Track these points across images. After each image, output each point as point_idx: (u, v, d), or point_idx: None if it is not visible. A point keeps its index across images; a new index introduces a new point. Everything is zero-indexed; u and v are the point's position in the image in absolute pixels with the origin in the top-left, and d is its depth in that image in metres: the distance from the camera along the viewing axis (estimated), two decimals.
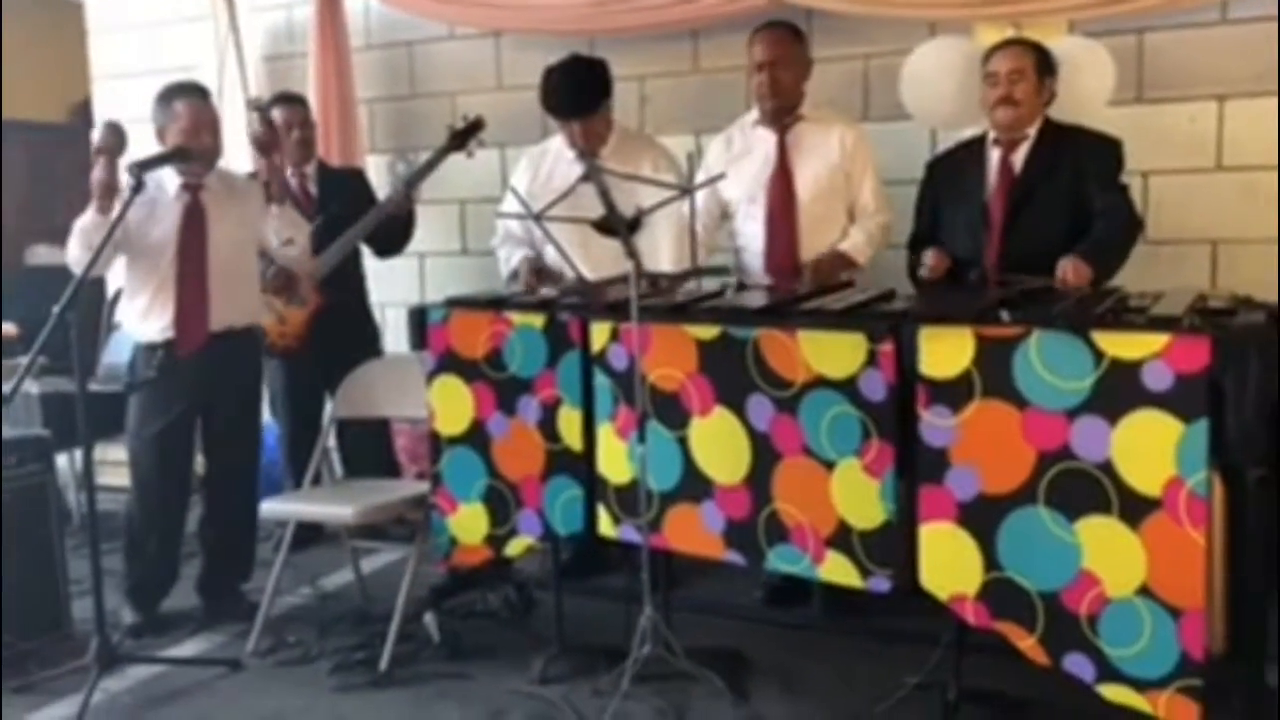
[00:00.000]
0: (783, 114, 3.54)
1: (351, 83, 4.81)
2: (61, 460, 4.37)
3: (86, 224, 3.30)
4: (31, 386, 4.16)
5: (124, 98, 5.23)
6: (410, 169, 4.41)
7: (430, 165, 4.15)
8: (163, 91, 3.47)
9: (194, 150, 3.38)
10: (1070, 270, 2.91)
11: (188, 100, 3.43)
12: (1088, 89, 3.48)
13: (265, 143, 3.56)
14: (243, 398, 3.66)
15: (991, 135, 3.27)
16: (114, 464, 4.80)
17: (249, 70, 4.99)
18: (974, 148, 3.32)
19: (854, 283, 3.49)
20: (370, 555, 4.03)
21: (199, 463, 3.75)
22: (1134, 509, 2.30)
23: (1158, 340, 2.27)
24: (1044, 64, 3.20)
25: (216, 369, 3.50)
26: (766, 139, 3.57)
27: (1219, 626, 2.35)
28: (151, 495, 3.53)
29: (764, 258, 3.56)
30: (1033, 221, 3.15)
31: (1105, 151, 3.15)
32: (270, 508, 3.51)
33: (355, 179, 4.43)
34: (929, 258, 3.21)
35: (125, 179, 3.23)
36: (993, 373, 2.43)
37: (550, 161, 3.74)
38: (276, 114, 4.20)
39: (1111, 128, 3.26)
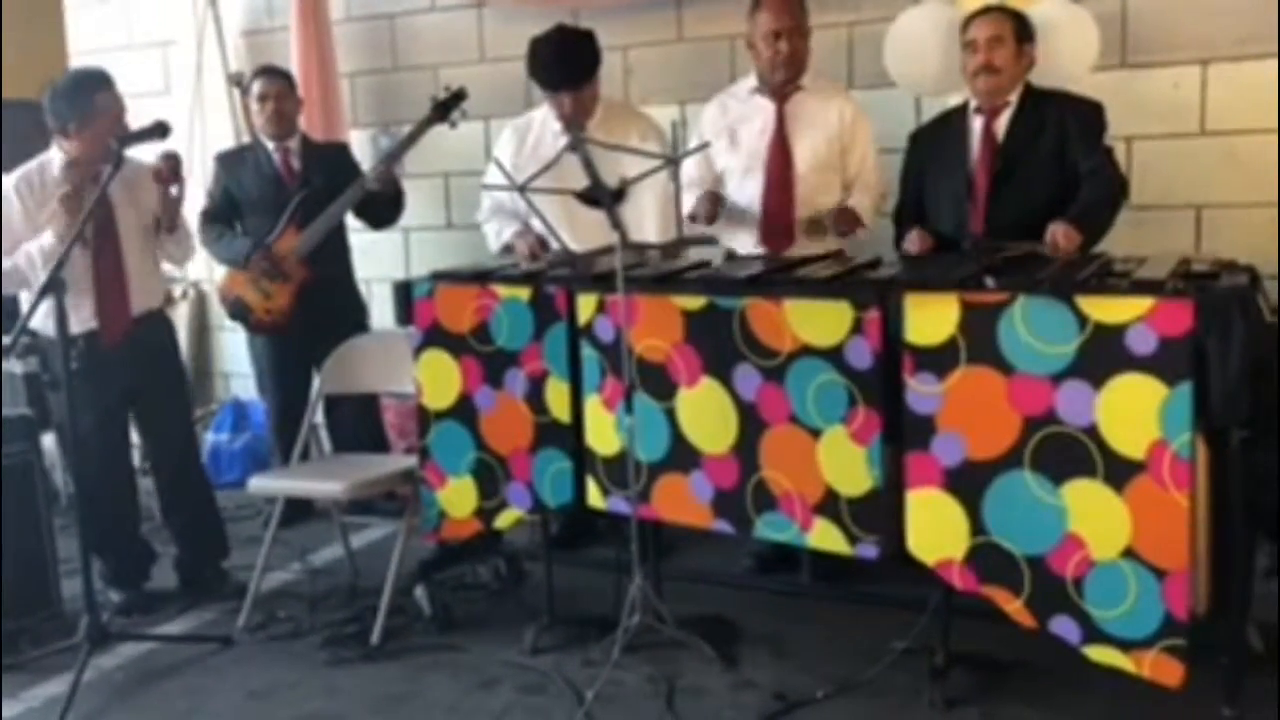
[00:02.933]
0: (786, 84, 3.52)
1: (332, 56, 4.78)
2: (47, 440, 4.35)
3: (49, 249, 3.26)
4: (15, 366, 4.14)
5: None
6: (393, 142, 4.38)
7: (413, 137, 4.12)
8: (73, 83, 3.37)
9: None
10: (1061, 235, 2.90)
11: (108, 94, 3.35)
12: (1072, 54, 3.47)
13: (166, 176, 3.41)
14: (168, 378, 3.64)
15: (973, 104, 3.25)
16: None
17: (228, 45, 4.95)
18: (955, 117, 3.31)
19: (844, 251, 3.49)
20: (360, 530, 4.04)
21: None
22: (1119, 472, 2.32)
23: (1141, 304, 2.28)
24: (1022, 30, 3.18)
25: (140, 354, 3.48)
26: (765, 108, 3.54)
27: (1203, 587, 2.38)
28: (101, 488, 3.44)
29: (759, 227, 3.55)
30: (1017, 189, 3.14)
31: (1087, 115, 3.15)
32: (259, 484, 3.50)
33: (338, 153, 4.39)
34: (913, 240, 3.20)
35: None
36: (978, 339, 2.44)
37: (535, 133, 3.71)
38: (257, 86, 4.17)
39: (1095, 93, 3.25)
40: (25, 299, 3.45)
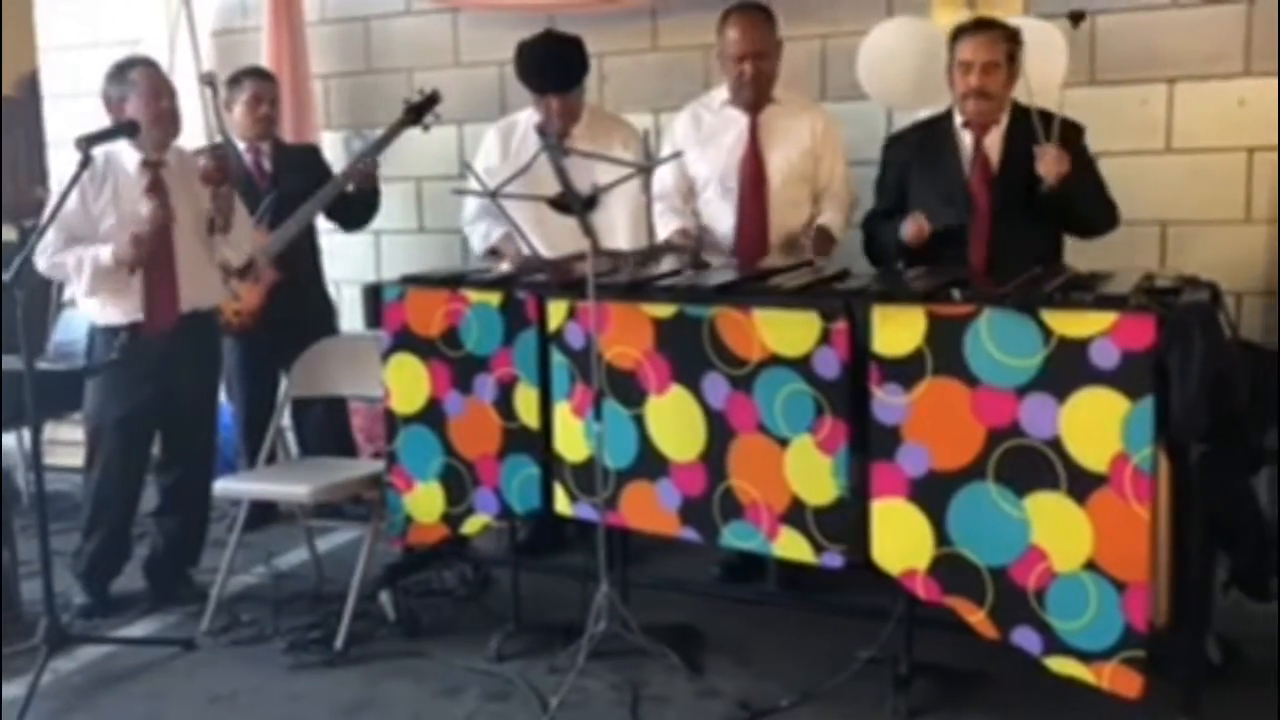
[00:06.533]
0: (755, 101, 3.53)
1: (306, 58, 4.76)
2: (9, 440, 4.29)
3: (102, 264, 3.29)
4: None
5: (70, 71, 5.13)
6: (366, 145, 4.37)
7: (385, 140, 4.12)
8: (116, 66, 3.42)
9: (152, 119, 3.33)
10: (1053, 157, 3.00)
11: (145, 68, 3.41)
12: (1043, 70, 3.49)
13: (214, 176, 3.41)
14: (204, 383, 3.62)
15: (960, 118, 3.24)
16: (63, 444, 4.74)
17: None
18: (941, 127, 3.29)
19: (814, 262, 3.51)
20: (326, 534, 4.01)
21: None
22: (1081, 485, 2.35)
23: (1105, 319, 2.31)
24: (1015, 49, 3.17)
25: (181, 353, 3.44)
26: (738, 120, 3.55)
27: (1163, 600, 2.41)
28: (113, 479, 3.47)
29: (734, 239, 3.55)
30: (1019, 212, 3.14)
31: (1072, 136, 3.16)
32: (224, 487, 3.48)
33: (310, 155, 4.38)
34: (910, 224, 3.15)
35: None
36: (944, 351, 2.46)
37: (519, 135, 3.72)
38: (250, 88, 4.15)
39: (1064, 108, 3.28)
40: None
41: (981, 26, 3.20)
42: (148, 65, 3.45)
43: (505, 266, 3.34)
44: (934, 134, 3.31)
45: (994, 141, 3.21)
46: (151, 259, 3.36)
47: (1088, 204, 3.15)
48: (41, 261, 3.29)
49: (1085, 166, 3.19)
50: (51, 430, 4.72)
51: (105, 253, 3.29)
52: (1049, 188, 3.02)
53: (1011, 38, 3.19)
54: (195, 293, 3.48)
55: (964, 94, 3.16)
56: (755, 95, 3.50)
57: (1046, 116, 3.21)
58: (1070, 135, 3.17)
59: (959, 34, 3.20)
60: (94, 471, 3.49)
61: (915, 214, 3.18)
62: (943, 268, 2.99)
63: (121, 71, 3.39)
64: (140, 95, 3.35)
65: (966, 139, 3.23)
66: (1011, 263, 2.90)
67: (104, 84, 3.40)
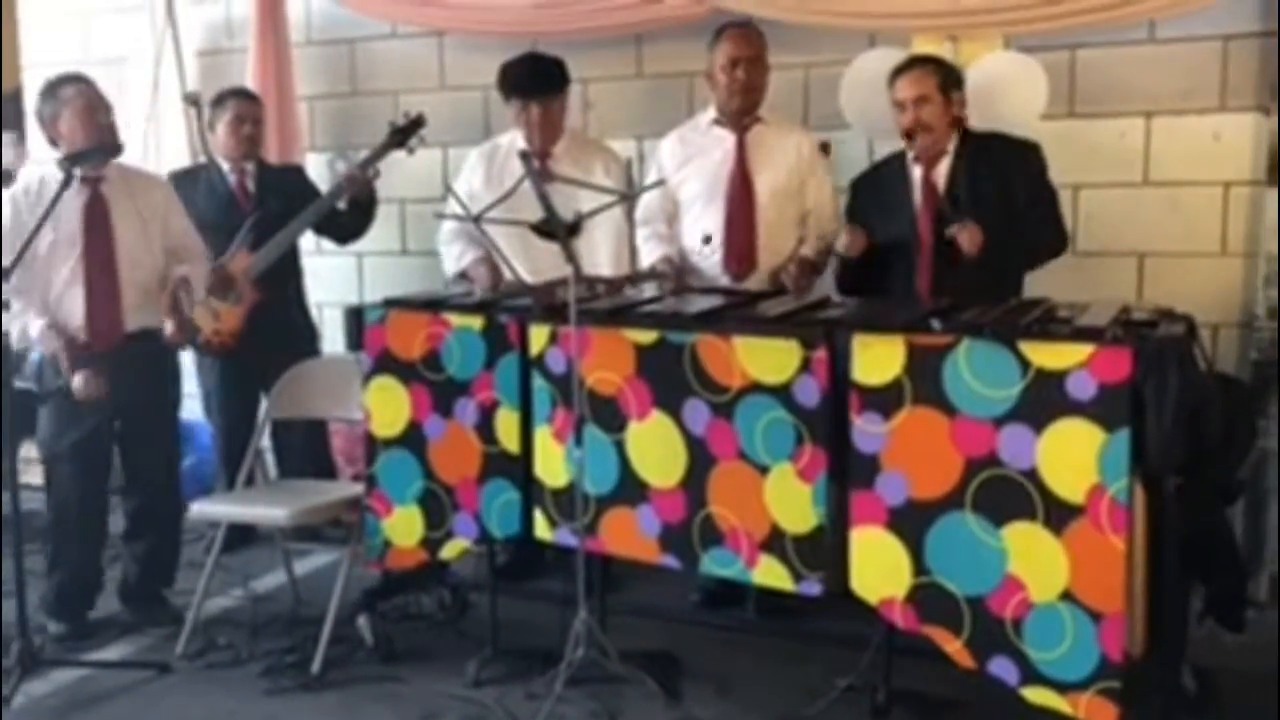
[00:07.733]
0: (745, 114, 3.56)
1: (291, 79, 4.76)
2: None
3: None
4: None
5: None
6: (350, 167, 4.38)
7: (371, 161, 4.13)
8: (48, 84, 3.40)
9: (88, 136, 3.29)
10: (965, 236, 3.06)
11: (75, 84, 3.37)
12: (1022, 102, 3.56)
13: (179, 339, 3.47)
14: (159, 401, 3.57)
15: (910, 153, 3.30)
16: (36, 462, 4.70)
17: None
18: (895, 164, 3.35)
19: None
20: (304, 557, 3.99)
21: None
22: (1058, 515, 2.36)
23: (1082, 351, 2.33)
24: (947, 80, 3.23)
25: (131, 372, 3.38)
26: (724, 139, 3.58)
27: (1138, 630, 2.41)
28: (72, 507, 3.42)
29: (722, 255, 3.57)
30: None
31: (1025, 156, 3.22)
32: (202, 509, 3.46)
33: (294, 176, 4.38)
34: (844, 235, 3.24)
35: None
36: (923, 380, 2.47)
37: (502, 158, 3.74)
38: (234, 108, 4.14)
39: (1044, 141, 3.33)
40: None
41: (911, 64, 3.30)
42: (81, 82, 3.39)
43: (477, 291, 3.35)
44: (889, 172, 3.37)
45: (942, 172, 3.26)
46: (91, 274, 3.32)
47: (1033, 230, 3.21)
48: None
49: (1039, 187, 3.24)
50: (26, 449, 4.68)
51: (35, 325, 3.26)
52: (969, 256, 3.10)
53: (942, 70, 3.25)
54: (141, 312, 3.42)
55: (903, 130, 3.23)
56: (746, 104, 3.52)
57: (1002, 140, 3.26)
58: (1025, 155, 3.23)
59: (893, 76, 3.29)
60: (51, 500, 3.43)
61: (851, 225, 3.26)
62: (894, 298, 3.03)
63: (53, 89, 3.36)
64: (75, 112, 3.31)
65: (917, 172, 3.27)
66: (962, 292, 2.91)
67: (37, 102, 3.37)
